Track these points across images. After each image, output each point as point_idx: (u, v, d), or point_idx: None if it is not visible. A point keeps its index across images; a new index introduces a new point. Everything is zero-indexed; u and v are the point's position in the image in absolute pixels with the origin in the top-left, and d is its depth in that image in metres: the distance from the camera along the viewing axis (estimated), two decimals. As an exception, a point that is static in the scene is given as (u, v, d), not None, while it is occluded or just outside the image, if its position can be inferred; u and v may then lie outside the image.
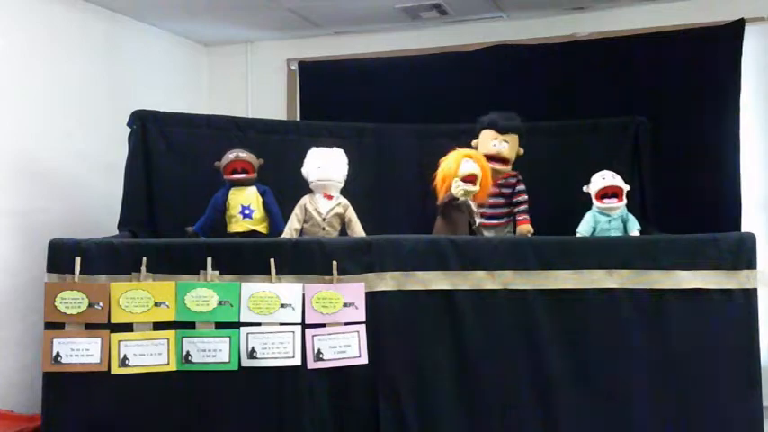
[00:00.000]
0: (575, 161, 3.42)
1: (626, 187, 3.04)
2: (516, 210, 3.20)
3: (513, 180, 3.25)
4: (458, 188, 2.96)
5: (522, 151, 3.26)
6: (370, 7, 4.07)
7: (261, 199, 3.13)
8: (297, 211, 3.07)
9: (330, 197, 3.07)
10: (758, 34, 3.82)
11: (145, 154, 3.45)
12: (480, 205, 3.14)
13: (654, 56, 3.91)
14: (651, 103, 3.77)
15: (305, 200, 3.08)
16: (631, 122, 3.56)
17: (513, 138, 3.22)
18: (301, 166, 3.14)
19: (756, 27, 3.81)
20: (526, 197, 3.22)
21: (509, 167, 3.24)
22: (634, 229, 3.02)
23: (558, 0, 4.00)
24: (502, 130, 3.20)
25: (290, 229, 3.04)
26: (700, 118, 3.79)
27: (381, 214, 3.36)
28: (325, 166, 3.08)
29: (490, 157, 3.18)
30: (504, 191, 3.23)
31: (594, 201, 3.04)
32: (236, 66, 4.83)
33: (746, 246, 2.69)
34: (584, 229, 3.02)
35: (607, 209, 3.01)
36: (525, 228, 3.14)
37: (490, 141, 3.21)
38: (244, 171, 3.11)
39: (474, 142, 3.22)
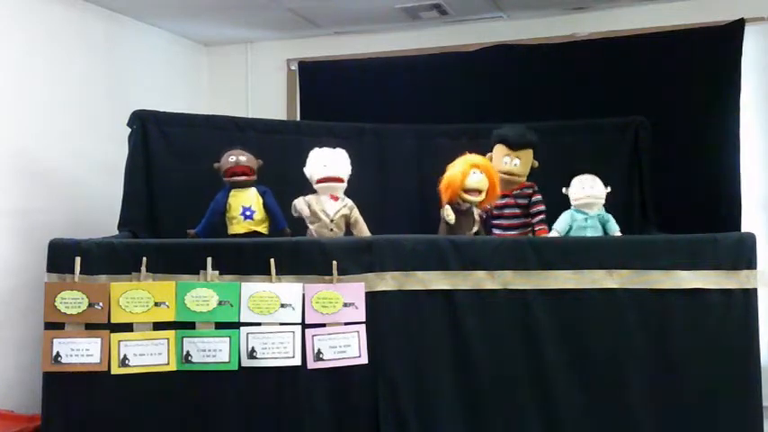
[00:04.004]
0: (575, 161, 3.42)
1: (606, 191, 3.05)
2: (534, 220, 3.18)
3: (529, 191, 3.22)
4: (448, 216, 2.97)
5: (536, 164, 3.21)
6: (370, 7, 4.07)
7: (261, 200, 3.12)
8: (303, 205, 3.05)
9: (336, 198, 3.07)
10: (758, 34, 3.82)
11: (145, 154, 3.45)
12: (486, 210, 3.15)
13: (654, 56, 3.91)
14: (651, 102, 3.76)
15: (310, 200, 3.06)
16: (631, 122, 3.56)
17: (527, 153, 3.18)
18: (302, 165, 3.13)
19: (756, 27, 3.81)
20: (543, 207, 3.19)
21: (522, 179, 3.21)
22: (615, 231, 3.03)
23: (558, 0, 4.00)
24: (514, 147, 3.17)
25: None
26: (700, 118, 3.79)
27: (381, 214, 3.36)
28: (331, 165, 3.07)
29: (502, 173, 3.16)
30: (520, 201, 3.21)
31: (572, 200, 3.07)
32: (236, 66, 4.83)
33: (746, 246, 2.69)
34: (560, 227, 3.03)
35: (584, 206, 3.03)
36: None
37: (502, 158, 3.17)
38: (244, 174, 3.11)
39: (488, 155, 3.19)
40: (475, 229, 3.07)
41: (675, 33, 3.91)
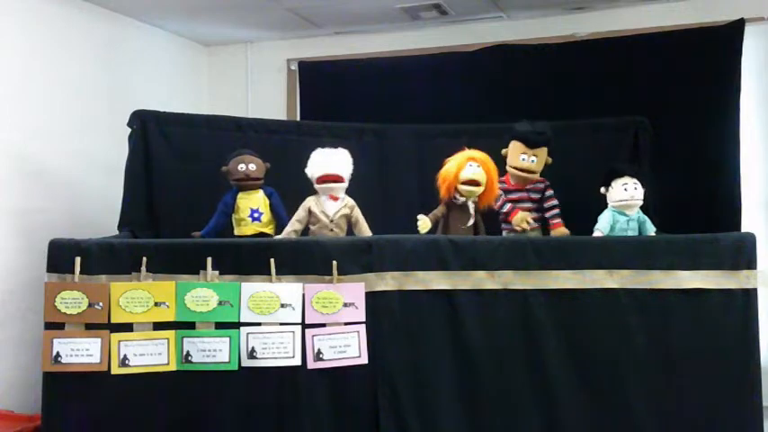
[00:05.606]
0: (575, 161, 3.42)
1: (643, 191, 2.99)
2: (549, 214, 3.19)
3: (542, 186, 3.23)
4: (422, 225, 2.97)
5: (550, 160, 3.19)
6: (370, 7, 4.08)
7: (268, 201, 3.15)
8: (300, 212, 3.06)
9: (336, 198, 3.07)
10: (758, 34, 3.83)
11: (145, 154, 3.45)
12: (489, 208, 3.15)
13: (654, 56, 3.91)
14: (651, 103, 3.76)
15: (310, 201, 3.07)
16: (631, 122, 3.55)
17: (543, 151, 3.17)
18: (302, 166, 3.13)
19: (756, 27, 3.81)
20: (557, 202, 3.20)
21: (537, 176, 3.21)
22: (651, 231, 2.98)
23: (558, 0, 4.00)
24: (532, 145, 3.15)
25: (288, 232, 3.03)
26: (700, 118, 3.79)
27: (381, 214, 3.36)
28: (330, 164, 3.07)
29: (519, 169, 3.16)
30: (533, 196, 3.23)
31: (612, 201, 3.00)
32: (236, 66, 4.83)
33: (746, 246, 2.70)
34: (602, 227, 2.95)
35: (625, 207, 2.97)
36: (560, 231, 3.12)
37: (519, 155, 3.15)
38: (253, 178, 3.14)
39: (504, 151, 3.18)
40: (470, 222, 3.06)
41: (675, 33, 3.91)
